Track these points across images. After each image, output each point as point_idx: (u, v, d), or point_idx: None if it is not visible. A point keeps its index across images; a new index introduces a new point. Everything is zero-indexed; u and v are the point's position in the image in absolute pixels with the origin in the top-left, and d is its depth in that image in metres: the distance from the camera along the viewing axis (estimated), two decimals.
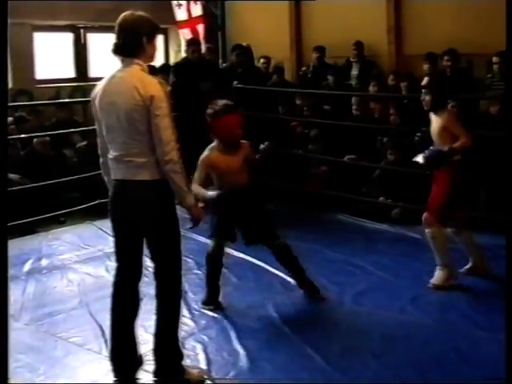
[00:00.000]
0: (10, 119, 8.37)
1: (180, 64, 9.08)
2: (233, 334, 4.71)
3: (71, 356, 4.50)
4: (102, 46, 11.78)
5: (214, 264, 5.26)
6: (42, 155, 8.49)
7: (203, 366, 4.27)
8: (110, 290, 5.52)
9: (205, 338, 4.67)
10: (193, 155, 8.08)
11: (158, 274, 4.01)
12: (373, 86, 8.79)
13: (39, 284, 5.91)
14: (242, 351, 4.44)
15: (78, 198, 8.27)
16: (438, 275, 5.62)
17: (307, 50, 10.75)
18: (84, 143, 9.13)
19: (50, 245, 7.04)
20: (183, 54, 8.75)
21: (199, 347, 4.52)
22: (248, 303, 5.31)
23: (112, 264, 6.19)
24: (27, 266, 6.28)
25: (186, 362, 4.21)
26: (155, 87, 3.81)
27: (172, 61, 11.96)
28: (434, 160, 5.56)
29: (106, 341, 4.63)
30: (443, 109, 5.66)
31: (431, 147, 5.63)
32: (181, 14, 11.45)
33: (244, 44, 9.69)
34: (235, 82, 8.84)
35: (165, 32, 12.65)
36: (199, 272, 5.96)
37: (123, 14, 3.99)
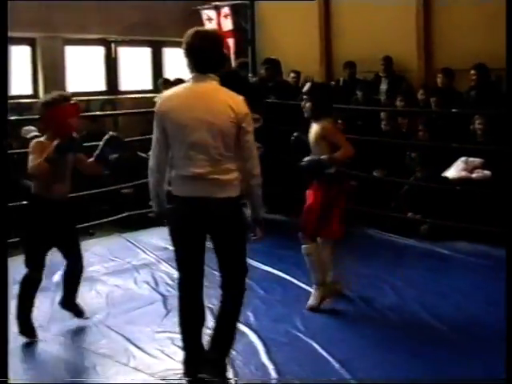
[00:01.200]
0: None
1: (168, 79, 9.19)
2: (260, 348, 4.70)
3: (99, 367, 4.51)
4: (132, 60, 11.92)
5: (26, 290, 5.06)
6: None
7: (230, 379, 4.27)
8: (138, 303, 5.64)
9: (232, 350, 4.67)
10: None
11: (228, 285, 4.08)
12: (400, 101, 8.77)
13: None
14: (269, 365, 4.44)
15: (107, 210, 8.33)
16: (312, 296, 5.50)
17: (336, 63, 10.76)
18: (114, 156, 9.18)
19: None
20: None
21: (226, 360, 4.51)
22: (275, 316, 5.31)
23: (140, 277, 6.28)
24: (56, 277, 6.31)
25: None
26: (244, 104, 3.92)
27: None
28: (311, 169, 5.39)
29: (133, 353, 4.66)
30: (324, 117, 5.45)
31: (308, 157, 5.43)
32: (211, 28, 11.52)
33: (273, 58, 9.71)
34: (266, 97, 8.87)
35: None
36: None
37: (197, 31, 4.03)
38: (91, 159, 5.12)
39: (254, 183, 3.95)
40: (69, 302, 5.30)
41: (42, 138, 4.96)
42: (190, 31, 4.03)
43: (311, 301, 5.45)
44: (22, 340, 4.87)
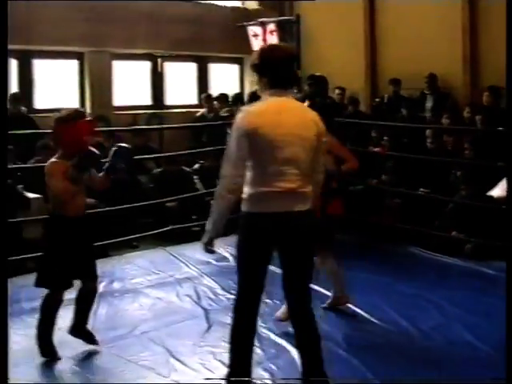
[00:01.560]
0: None
1: (255, 92, 9.15)
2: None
3: (140, 380, 4.54)
4: (177, 75, 12.03)
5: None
6: (117, 180, 8.62)
7: None
8: (180, 316, 5.66)
9: (273, 366, 4.66)
10: None
11: (299, 311, 4.05)
12: (445, 119, 8.72)
13: (111, 307, 5.99)
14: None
15: (150, 223, 8.39)
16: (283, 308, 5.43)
17: (381, 80, 10.75)
18: (159, 170, 9.28)
19: (123, 268, 7.14)
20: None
21: (267, 376, 4.51)
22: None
23: (182, 290, 6.30)
24: (100, 289, 6.35)
25: None
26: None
27: (247, 91, 12.10)
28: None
29: (175, 366, 4.68)
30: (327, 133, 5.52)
31: None
32: (257, 44, 11.58)
33: (318, 74, 9.72)
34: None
35: (240, 62, 12.81)
36: (269, 301, 5.95)
37: (276, 46, 4.15)
38: (101, 174, 4.97)
39: (317, 195, 4.08)
40: (79, 328, 5.00)
41: (54, 158, 4.77)
42: (267, 46, 4.11)
43: (280, 313, 5.45)
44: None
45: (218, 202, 3.88)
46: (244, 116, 3.86)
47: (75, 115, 4.73)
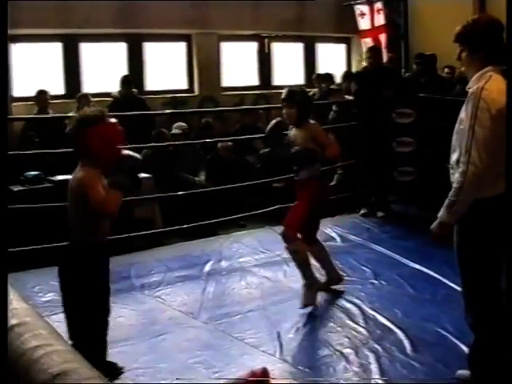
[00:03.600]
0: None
1: (361, 72, 9.08)
2: (407, 346, 4.63)
3: (246, 356, 4.59)
4: (284, 55, 12.04)
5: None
6: (225, 160, 8.77)
7: (376, 376, 4.24)
8: (286, 295, 5.68)
9: (379, 348, 4.63)
10: (374, 163, 8.14)
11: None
12: None
13: (218, 285, 6.07)
14: (416, 364, 4.37)
15: (258, 202, 8.45)
16: (304, 294, 5.38)
17: None
18: (267, 150, 9.32)
19: (230, 247, 7.22)
20: (364, 64, 8.74)
21: (372, 357, 4.48)
22: (423, 315, 5.19)
23: (289, 270, 6.32)
24: (208, 267, 6.46)
25: (357, 370, 4.23)
26: None
27: (354, 70, 12.00)
28: (305, 157, 5.48)
29: (280, 344, 4.72)
30: (307, 122, 5.50)
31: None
32: (364, 24, 11.46)
33: (427, 53, 9.52)
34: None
35: (347, 41, 12.71)
36: (376, 282, 5.93)
37: (494, 18, 3.76)
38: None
39: None
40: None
41: (82, 168, 3.82)
42: (480, 17, 3.88)
43: (305, 300, 5.39)
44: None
45: (466, 188, 3.57)
46: (494, 96, 3.52)
47: (102, 115, 3.87)
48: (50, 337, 1.25)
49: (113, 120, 3.91)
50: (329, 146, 5.48)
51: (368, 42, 11.20)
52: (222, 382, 4.09)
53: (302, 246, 5.52)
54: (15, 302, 1.46)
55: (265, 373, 3.64)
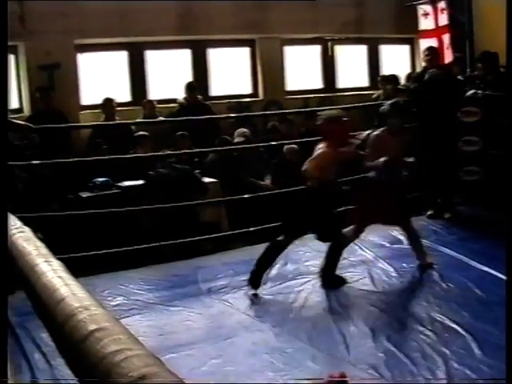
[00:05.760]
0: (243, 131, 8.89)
1: (420, 73, 9.04)
2: (476, 350, 4.59)
3: (313, 359, 4.60)
4: (348, 57, 12.02)
5: None
6: (291, 163, 8.80)
7: (444, 380, 4.22)
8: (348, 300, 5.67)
9: (447, 351, 4.60)
10: (439, 164, 8.06)
11: None
12: None
13: (285, 288, 6.10)
14: (484, 368, 4.33)
15: None
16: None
17: None
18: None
19: (297, 251, 7.15)
20: (423, 64, 8.72)
21: (440, 360, 4.46)
22: (492, 318, 5.14)
23: (357, 273, 6.30)
24: (274, 271, 6.46)
25: (425, 374, 4.21)
26: None
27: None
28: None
29: (347, 347, 4.73)
30: None
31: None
32: (427, 24, 11.33)
33: (490, 51, 9.40)
34: (472, 92, 8.60)
35: (411, 42, 12.61)
36: (443, 284, 5.88)
37: None
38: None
39: None
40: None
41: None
42: None
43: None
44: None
45: None
46: None
47: (341, 115, 6.06)
48: (129, 341, 1.31)
49: (346, 119, 6.00)
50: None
51: (431, 42, 11.07)
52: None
53: None
54: (93, 308, 1.52)
55: (343, 375, 3.71)
